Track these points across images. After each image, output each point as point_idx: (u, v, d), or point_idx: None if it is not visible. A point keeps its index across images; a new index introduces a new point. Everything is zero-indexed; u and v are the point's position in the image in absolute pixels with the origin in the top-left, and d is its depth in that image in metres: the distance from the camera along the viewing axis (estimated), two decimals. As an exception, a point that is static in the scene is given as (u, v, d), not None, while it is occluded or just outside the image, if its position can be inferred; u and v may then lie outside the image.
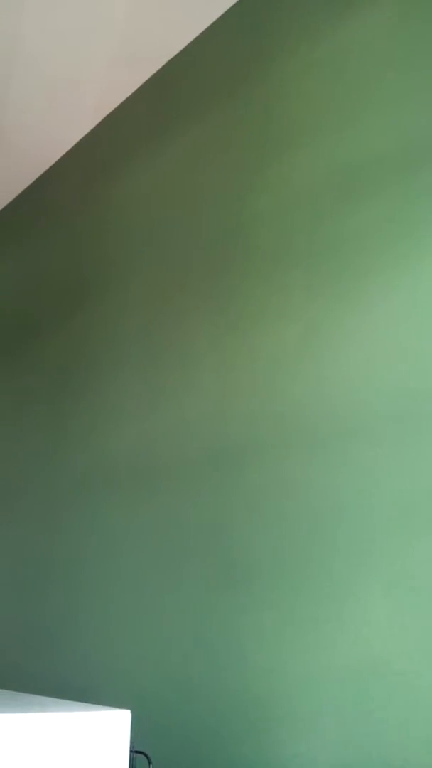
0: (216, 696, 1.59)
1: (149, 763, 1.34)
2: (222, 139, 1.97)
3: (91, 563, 2.10)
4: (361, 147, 1.57)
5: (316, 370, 1.56)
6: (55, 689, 2.09)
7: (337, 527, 1.43)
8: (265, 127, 1.83)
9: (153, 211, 2.19)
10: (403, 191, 1.46)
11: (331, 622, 1.39)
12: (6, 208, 3.12)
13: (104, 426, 2.18)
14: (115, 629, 1.94)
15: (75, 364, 2.40)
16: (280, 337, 1.66)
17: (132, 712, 1.28)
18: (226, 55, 2.01)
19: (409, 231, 1.44)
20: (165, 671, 1.74)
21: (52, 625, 2.19)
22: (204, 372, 1.85)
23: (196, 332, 1.91)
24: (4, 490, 2.62)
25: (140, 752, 1.34)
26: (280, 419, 1.61)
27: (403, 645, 1.26)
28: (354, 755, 1.30)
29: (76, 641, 2.08)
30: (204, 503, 1.75)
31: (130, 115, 2.41)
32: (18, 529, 2.48)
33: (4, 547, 2.53)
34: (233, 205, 1.88)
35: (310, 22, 1.76)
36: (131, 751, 1.29)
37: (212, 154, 1.99)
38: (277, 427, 1.61)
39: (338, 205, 1.59)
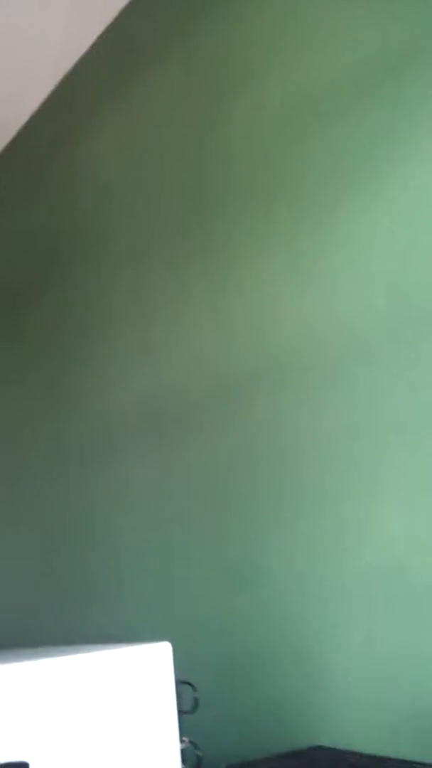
0: (248, 618, 1.64)
1: (194, 690, 1.39)
2: (187, 79, 1.95)
3: (104, 514, 2.14)
4: (329, 66, 1.56)
5: (307, 298, 1.57)
6: (86, 640, 2.14)
7: (350, 445, 1.46)
8: (228, 61, 1.82)
9: (126, 163, 2.18)
10: (378, 108, 1.46)
11: (352, 532, 1.44)
12: (-24, 181, 3.09)
13: (104, 382, 2.20)
14: (141, 574, 1.98)
15: (68, 326, 2.41)
16: (268, 270, 1.67)
17: (172, 645, 1.32)
18: (182, -5, 1.98)
19: (388, 150, 1.44)
20: (197, 603, 1.79)
21: (73, 579, 2.24)
22: (197, 315, 1.86)
23: (184, 278, 1.92)
24: (11, 455, 2.64)
25: (185, 682, 1.38)
26: (277, 351, 1.64)
27: (422, 545, 1.31)
28: (388, 651, 1.36)
29: (100, 591, 2.12)
30: (211, 442, 1.79)
31: (91, 70, 2.38)
32: (30, 492, 2.51)
33: (19, 511, 2.57)
34: (207, 144, 1.87)
35: None
36: (176, 682, 1.33)
37: (179, 96, 1.98)
38: (275, 358, 1.64)
39: (311, 128, 1.59)
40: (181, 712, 1.35)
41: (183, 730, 1.35)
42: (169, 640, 1.32)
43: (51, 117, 2.59)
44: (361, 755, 1.34)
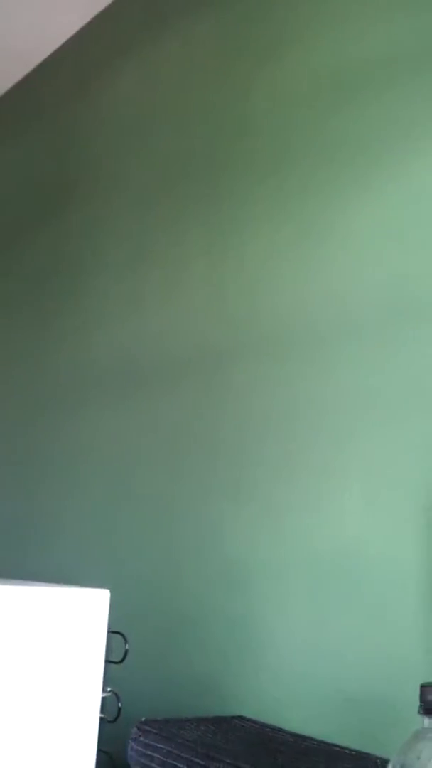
0: (191, 579, 1.63)
1: (125, 642, 1.37)
2: (218, 39, 1.90)
3: (72, 461, 2.12)
4: (360, 47, 1.52)
5: (306, 273, 1.54)
6: (31, 577, 2.13)
7: (319, 423, 1.44)
8: (262, 27, 1.77)
9: (145, 112, 2.13)
10: (402, 93, 1.42)
11: (307, 510, 1.42)
12: (-9, 105, 3.02)
13: (88, 328, 2.17)
14: (98, 523, 1.97)
15: (58, 266, 2.37)
16: (271, 240, 1.64)
17: (110, 594, 1.30)
18: None
19: (406, 134, 1.40)
20: (142, 557, 1.78)
21: (30, 517, 2.23)
22: (193, 273, 1.83)
23: (185, 234, 1.88)
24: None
25: (117, 632, 1.37)
26: (268, 320, 1.61)
27: (378, 531, 1.29)
28: (328, 636, 1.35)
29: (60, 536, 2.11)
30: (189, 403, 1.76)
31: (123, 13, 2.32)
32: (1, 431, 2.49)
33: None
34: (228, 107, 1.83)
35: None
36: (109, 631, 1.32)
37: (207, 54, 1.93)
38: (265, 328, 1.61)
39: (336, 107, 1.55)
40: (108, 662, 1.34)
41: (108, 680, 1.34)
42: (109, 589, 1.30)
43: (74, 55, 2.53)
44: (282, 730, 1.34)
